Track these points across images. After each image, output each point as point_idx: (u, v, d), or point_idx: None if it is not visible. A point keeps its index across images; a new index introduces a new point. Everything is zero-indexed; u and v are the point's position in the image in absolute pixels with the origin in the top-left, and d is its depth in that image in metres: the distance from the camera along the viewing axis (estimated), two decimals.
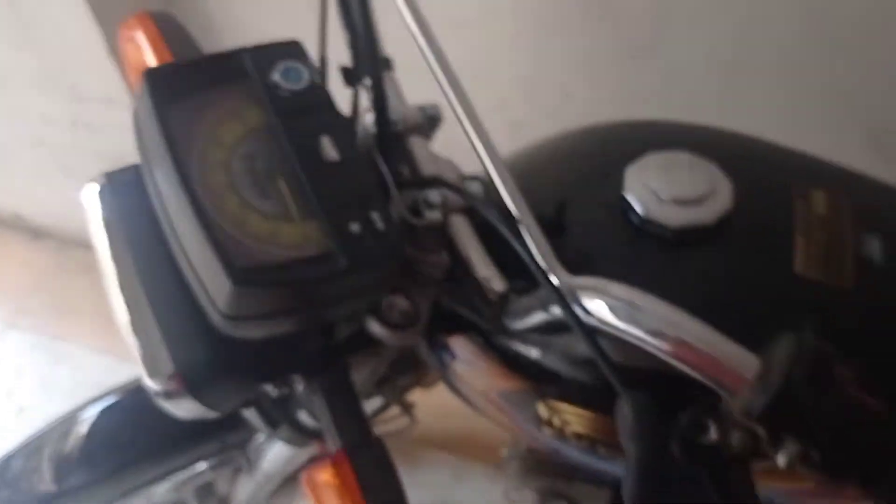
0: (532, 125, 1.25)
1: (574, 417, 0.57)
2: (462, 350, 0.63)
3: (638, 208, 0.56)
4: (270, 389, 0.58)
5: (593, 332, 0.45)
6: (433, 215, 0.54)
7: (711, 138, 0.66)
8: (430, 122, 0.59)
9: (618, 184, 0.58)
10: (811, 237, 0.56)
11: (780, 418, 0.37)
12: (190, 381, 0.50)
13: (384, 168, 0.54)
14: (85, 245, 1.95)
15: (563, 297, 0.46)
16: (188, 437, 0.90)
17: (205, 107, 0.48)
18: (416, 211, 0.54)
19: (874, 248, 0.57)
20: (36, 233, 1.99)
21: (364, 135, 0.57)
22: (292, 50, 0.51)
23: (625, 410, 0.40)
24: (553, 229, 0.54)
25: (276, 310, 0.46)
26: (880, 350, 0.54)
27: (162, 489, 1.20)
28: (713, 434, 0.40)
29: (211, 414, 0.56)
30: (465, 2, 1.10)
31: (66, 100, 1.41)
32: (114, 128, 1.41)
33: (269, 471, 0.96)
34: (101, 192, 0.54)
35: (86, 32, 1.20)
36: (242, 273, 0.43)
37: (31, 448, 0.96)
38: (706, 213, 0.56)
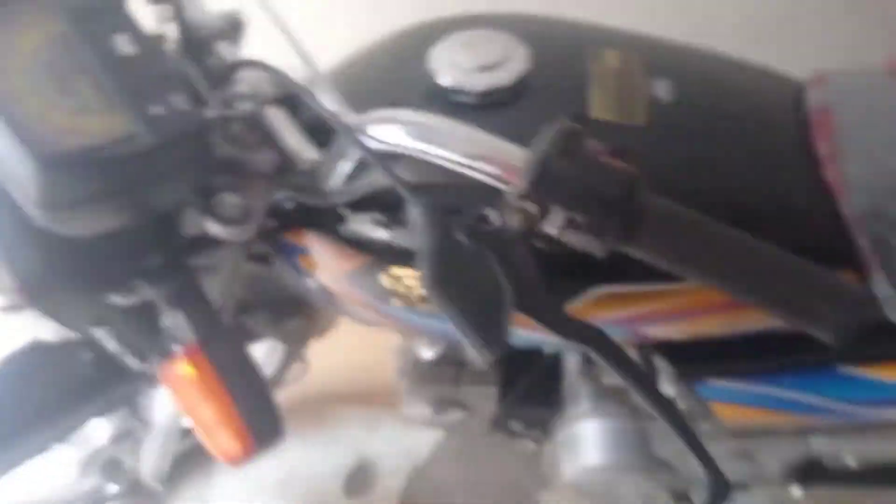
0: None
1: (414, 281, 0.61)
2: (306, 241, 0.66)
3: (442, 78, 0.60)
4: (118, 299, 0.59)
5: (384, 157, 0.48)
6: (245, 105, 0.56)
7: (512, 18, 0.70)
8: (233, 27, 0.62)
9: (427, 63, 0.62)
10: (605, 87, 0.62)
11: (542, 191, 0.41)
12: (29, 292, 0.51)
13: (192, 70, 0.56)
14: None
15: (349, 130, 0.49)
16: (73, 395, 0.89)
17: (2, 21, 0.49)
18: (229, 105, 0.56)
19: (663, 89, 0.63)
20: None
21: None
22: None
23: (414, 214, 0.44)
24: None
25: (88, 193, 0.47)
26: (673, 176, 0.60)
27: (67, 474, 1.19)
28: (495, 220, 0.44)
29: (65, 332, 0.57)
30: None
31: None
32: None
33: (164, 424, 0.96)
34: None
35: None
36: (48, 157, 0.44)
37: None
38: (505, 76, 0.60)
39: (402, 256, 0.59)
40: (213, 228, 0.57)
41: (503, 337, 0.40)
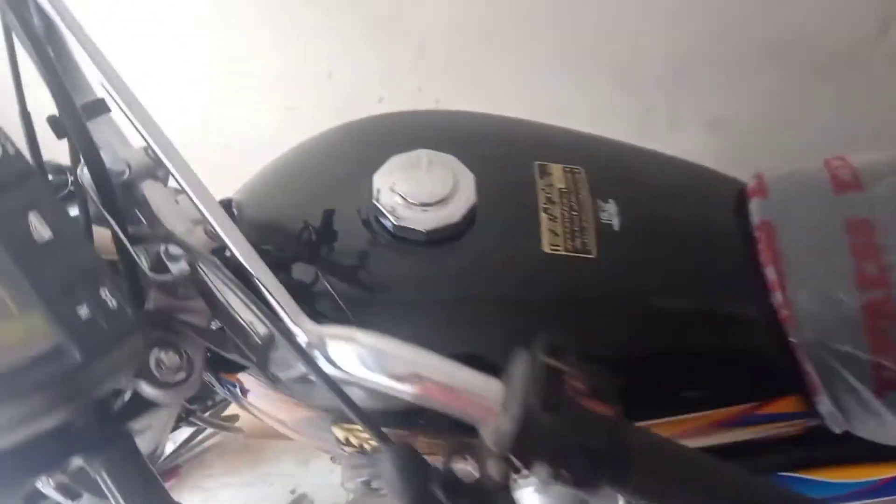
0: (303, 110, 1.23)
1: (367, 436, 0.58)
2: (250, 384, 0.62)
3: (389, 217, 0.57)
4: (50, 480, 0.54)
5: (341, 385, 0.45)
6: (179, 267, 0.52)
7: (448, 128, 0.67)
8: (160, 161, 0.55)
9: (368, 191, 0.59)
10: (554, 214, 0.60)
11: (525, 449, 0.39)
12: None
13: (115, 227, 0.51)
14: None
15: (309, 359, 0.45)
16: None
17: None
18: (160, 267, 0.51)
19: (611, 213, 0.61)
20: None
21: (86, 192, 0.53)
22: None
23: (386, 466, 0.41)
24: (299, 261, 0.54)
25: (14, 420, 0.42)
26: (625, 308, 0.59)
27: None
28: (473, 469, 0.42)
29: None
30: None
31: None
32: None
33: None
34: None
35: None
36: None
37: None
38: (453, 212, 0.57)
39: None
40: (151, 393, 0.52)
41: None
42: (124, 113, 0.52)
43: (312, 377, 0.44)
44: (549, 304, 0.58)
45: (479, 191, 0.59)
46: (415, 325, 0.57)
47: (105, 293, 0.44)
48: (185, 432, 1.37)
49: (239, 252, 0.48)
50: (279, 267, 0.51)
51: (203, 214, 0.50)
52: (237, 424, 1.06)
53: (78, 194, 0.55)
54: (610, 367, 0.44)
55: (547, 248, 0.58)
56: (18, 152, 0.46)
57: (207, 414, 0.94)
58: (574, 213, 0.60)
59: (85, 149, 0.51)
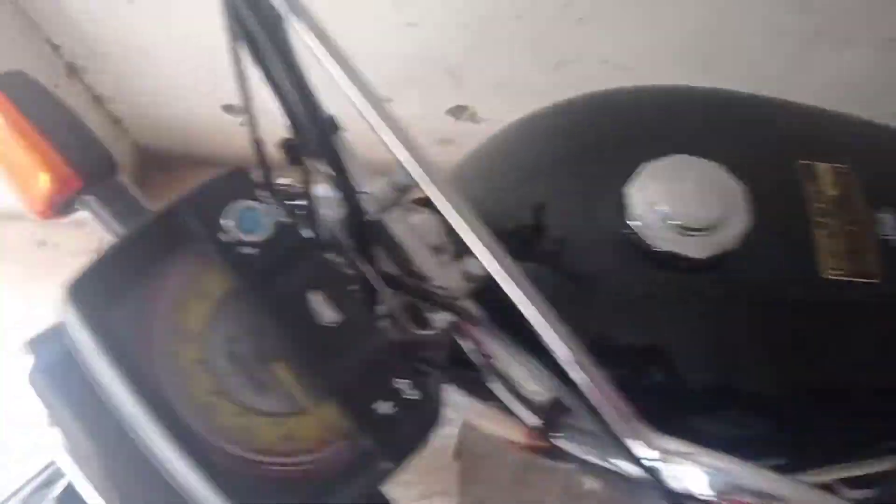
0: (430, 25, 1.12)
1: None
2: None
3: (652, 242, 0.50)
4: None
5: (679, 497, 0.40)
6: (443, 319, 0.46)
7: (693, 116, 0.58)
8: (401, 193, 0.48)
9: (618, 205, 0.52)
10: (829, 228, 0.52)
11: None
12: None
13: (374, 278, 0.45)
14: None
15: (654, 474, 0.39)
16: None
17: (152, 297, 0.37)
18: (421, 319, 0.46)
19: (889, 224, 0.54)
20: None
21: (332, 230, 0.47)
22: (239, 185, 0.39)
23: None
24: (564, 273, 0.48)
25: None
26: None
27: None
28: None
29: None
30: None
31: None
32: None
33: None
34: (32, 379, 0.43)
35: None
36: (237, 491, 0.35)
37: None
38: (726, 237, 0.50)
39: None
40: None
41: None
42: (381, 136, 0.44)
43: (651, 489, 0.39)
44: (833, 340, 0.51)
45: (751, 209, 0.51)
46: (678, 367, 0.51)
47: (404, 384, 0.39)
48: None
49: (543, 328, 0.41)
50: None
51: (485, 267, 0.43)
52: None
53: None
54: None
55: (826, 273, 0.51)
56: (294, 222, 0.40)
57: None
58: (851, 227, 0.53)
59: (344, 186, 0.44)
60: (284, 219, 0.40)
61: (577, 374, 0.40)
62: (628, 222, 0.51)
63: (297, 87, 0.44)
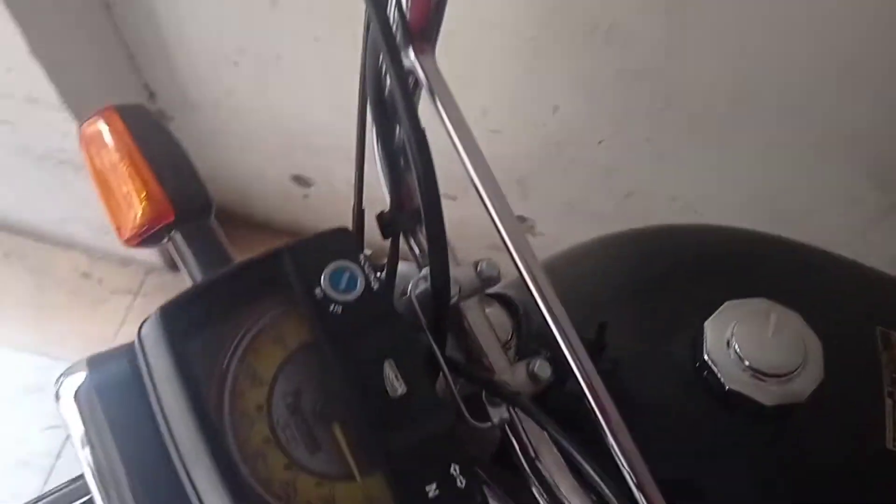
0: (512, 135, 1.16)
1: None
2: None
3: (725, 380, 0.49)
4: None
5: None
6: (500, 414, 0.45)
7: (786, 268, 0.59)
8: (485, 283, 0.48)
9: (693, 339, 0.51)
10: None
11: None
12: None
13: (444, 368, 0.45)
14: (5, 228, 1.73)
15: None
16: None
17: (232, 335, 0.38)
18: (479, 411, 0.45)
19: None
20: None
21: (407, 309, 0.47)
22: (342, 244, 0.40)
23: None
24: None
25: None
26: None
27: None
28: None
29: None
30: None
31: None
32: (35, 125, 1.24)
33: None
34: (78, 395, 0.42)
35: (4, 30, 1.02)
36: None
37: None
38: (800, 387, 0.49)
39: None
40: None
41: None
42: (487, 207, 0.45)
43: None
44: None
45: (826, 366, 0.50)
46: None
47: (456, 471, 0.38)
48: None
49: (616, 438, 0.40)
50: None
51: (567, 365, 0.42)
52: None
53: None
54: None
55: (892, 445, 0.49)
56: (385, 290, 0.40)
57: None
58: None
59: (439, 262, 0.44)
60: (375, 283, 0.40)
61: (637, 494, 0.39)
62: (704, 356, 0.50)
63: (421, 156, 0.44)
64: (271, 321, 0.39)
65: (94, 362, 0.42)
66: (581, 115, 1.07)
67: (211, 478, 0.36)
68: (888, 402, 0.51)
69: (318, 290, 0.39)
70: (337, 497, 0.37)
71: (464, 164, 0.46)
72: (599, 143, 1.10)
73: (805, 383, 0.49)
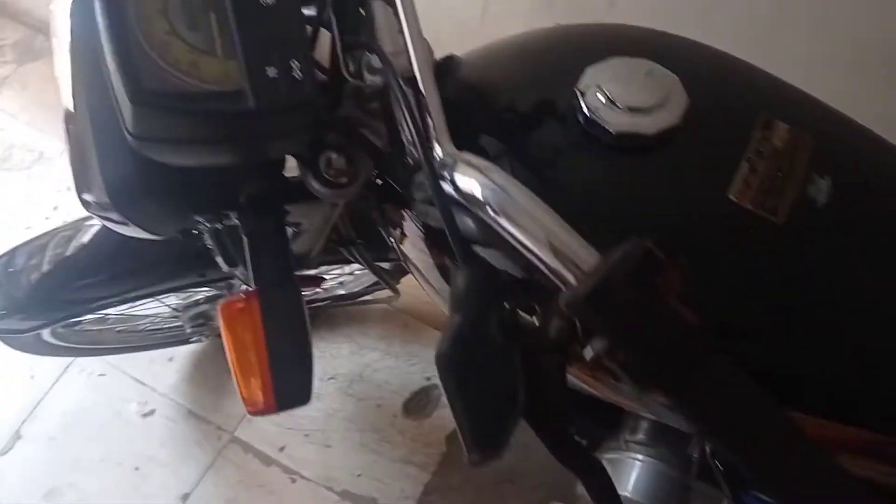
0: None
1: None
2: (409, 230, 0.65)
3: (584, 107, 0.55)
4: (204, 221, 0.60)
5: (451, 202, 0.46)
6: (373, 80, 0.54)
7: (685, 51, 0.63)
8: None
9: (574, 81, 0.57)
10: (756, 167, 0.55)
11: (592, 312, 0.38)
12: (115, 198, 0.53)
13: (334, 27, 0.54)
14: None
15: (430, 164, 0.47)
16: (171, 265, 0.95)
17: None
18: (358, 74, 0.54)
19: (821, 188, 0.55)
20: None
21: None
22: None
23: (458, 280, 0.41)
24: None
25: (177, 136, 0.47)
26: (795, 292, 0.54)
27: (161, 311, 1.29)
28: (536, 320, 0.41)
29: (147, 235, 0.59)
30: None
31: None
32: None
33: None
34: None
35: None
36: (144, 94, 0.45)
37: (36, 246, 1.03)
38: (650, 124, 0.54)
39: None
40: (313, 185, 0.56)
41: (500, 445, 0.37)
42: None
43: (428, 188, 0.45)
44: (711, 252, 0.54)
45: (686, 118, 0.55)
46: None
47: (295, 64, 0.47)
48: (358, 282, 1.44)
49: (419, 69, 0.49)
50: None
51: (407, 44, 0.51)
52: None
53: None
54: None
55: (731, 195, 0.53)
56: None
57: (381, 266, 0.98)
58: (779, 174, 0.55)
59: None
60: None
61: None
62: (574, 89, 0.56)
63: None
64: None
65: None
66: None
67: (107, 23, 0.47)
68: (745, 164, 0.55)
69: None
70: (200, 64, 0.47)
71: None
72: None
73: (656, 121, 0.54)
